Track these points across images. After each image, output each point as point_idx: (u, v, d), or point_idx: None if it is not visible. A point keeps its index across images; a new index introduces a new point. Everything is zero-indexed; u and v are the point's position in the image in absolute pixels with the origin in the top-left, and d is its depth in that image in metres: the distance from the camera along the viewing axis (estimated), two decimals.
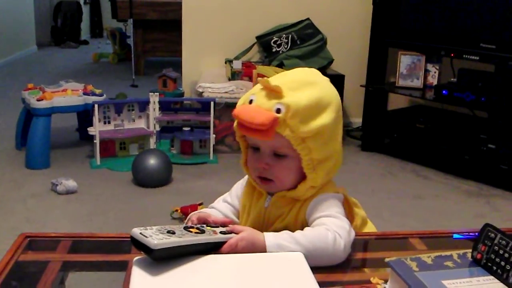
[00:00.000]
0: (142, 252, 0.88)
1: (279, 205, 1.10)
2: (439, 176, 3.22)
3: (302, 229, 1.05)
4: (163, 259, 0.88)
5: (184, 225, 0.97)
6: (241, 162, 1.13)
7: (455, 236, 1.05)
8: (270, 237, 0.98)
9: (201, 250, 0.92)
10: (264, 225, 1.12)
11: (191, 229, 0.94)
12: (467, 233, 1.10)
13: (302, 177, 1.07)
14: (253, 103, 1.03)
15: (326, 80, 1.09)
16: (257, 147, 1.07)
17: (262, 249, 0.96)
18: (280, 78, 1.05)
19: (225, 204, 1.20)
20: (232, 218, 1.16)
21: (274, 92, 1.01)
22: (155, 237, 0.87)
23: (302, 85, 1.03)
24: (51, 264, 0.95)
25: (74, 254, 1.01)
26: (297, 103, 1.00)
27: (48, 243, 1.05)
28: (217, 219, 1.05)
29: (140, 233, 0.87)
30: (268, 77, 1.07)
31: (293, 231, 1.04)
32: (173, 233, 0.90)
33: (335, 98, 1.06)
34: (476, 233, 0.98)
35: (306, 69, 1.11)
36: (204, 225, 0.99)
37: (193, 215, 1.07)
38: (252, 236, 0.97)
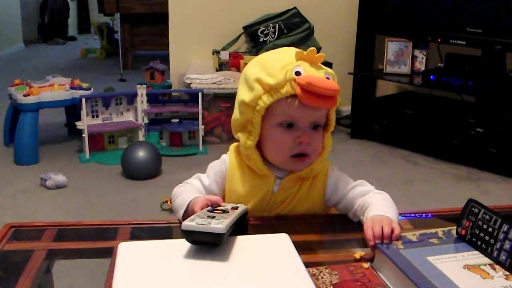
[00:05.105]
0: (198, 244, 0.86)
1: (287, 187, 1.11)
2: (428, 161, 3.23)
3: (314, 204, 1.10)
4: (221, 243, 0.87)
5: (206, 209, 0.95)
6: (252, 144, 1.07)
7: (401, 217, 1.06)
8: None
9: (235, 227, 0.93)
10: (268, 209, 1.12)
11: (216, 211, 0.94)
12: (408, 214, 1.13)
13: None
14: (304, 73, 1.00)
15: None
16: (292, 123, 1.04)
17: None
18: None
19: (201, 186, 1.19)
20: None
21: (316, 63, 1.02)
22: (214, 222, 0.86)
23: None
24: (36, 253, 0.95)
25: (59, 242, 1.01)
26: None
27: (33, 233, 1.05)
28: (218, 199, 1.04)
29: (196, 223, 0.86)
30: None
31: (303, 208, 1.08)
32: (213, 217, 0.89)
33: None
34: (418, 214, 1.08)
35: None
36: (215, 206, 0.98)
37: (196, 205, 1.01)
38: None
